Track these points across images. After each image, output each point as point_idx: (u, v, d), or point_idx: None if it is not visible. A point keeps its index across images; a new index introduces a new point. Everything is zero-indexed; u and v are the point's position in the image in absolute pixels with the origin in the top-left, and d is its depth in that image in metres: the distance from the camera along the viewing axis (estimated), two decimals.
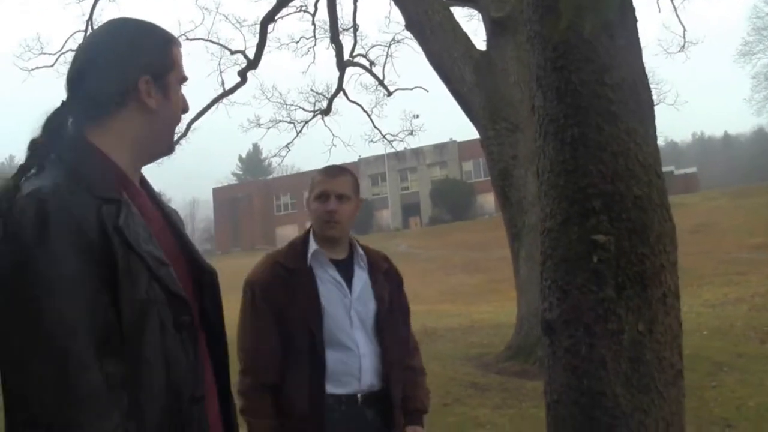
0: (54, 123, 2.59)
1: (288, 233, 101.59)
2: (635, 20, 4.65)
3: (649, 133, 4.50)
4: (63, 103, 2.63)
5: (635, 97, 4.47)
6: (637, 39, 4.63)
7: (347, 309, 4.61)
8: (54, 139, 2.55)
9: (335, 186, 4.71)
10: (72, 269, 2.21)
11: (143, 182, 2.77)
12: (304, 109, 31.70)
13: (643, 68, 4.61)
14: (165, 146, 2.74)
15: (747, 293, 26.42)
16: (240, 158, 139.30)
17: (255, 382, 4.51)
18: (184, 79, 2.73)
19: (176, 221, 2.82)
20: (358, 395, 4.53)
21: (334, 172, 4.83)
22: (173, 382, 2.38)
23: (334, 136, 32.06)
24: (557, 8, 4.18)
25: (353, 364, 4.53)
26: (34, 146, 2.54)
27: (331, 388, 4.49)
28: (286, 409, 4.48)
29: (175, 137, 2.82)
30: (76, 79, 2.63)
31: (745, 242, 42.18)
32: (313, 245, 4.71)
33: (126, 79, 2.59)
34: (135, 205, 2.52)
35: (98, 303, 2.24)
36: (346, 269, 4.73)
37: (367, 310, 4.68)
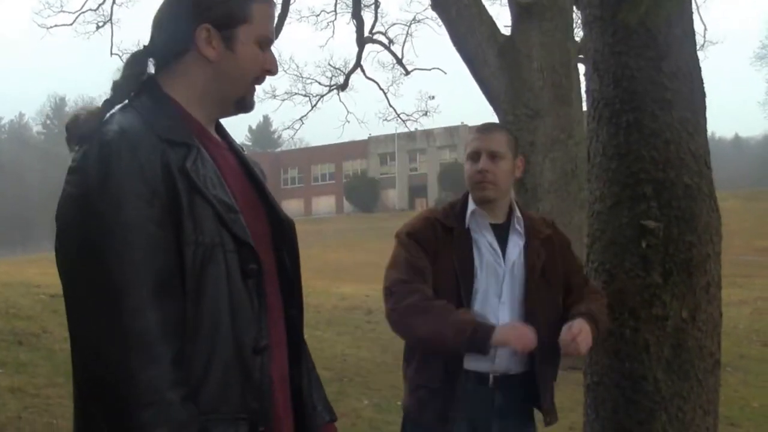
0: (133, 65, 2.63)
1: (294, 207, 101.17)
2: (691, 11, 4.66)
3: (700, 124, 4.53)
4: (144, 47, 2.67)
5: (689, 86, 4.49)
6: (692, 29, 4.64)
7: (499, 280, 4.24)
8: (131, 81, 2.60)
9: (488, 143, 4.27)
10: (131, 212, 2.23)
11: (222, 132, 2.79)
12: (320, 83, 31.59)
13: (697, 59, 4.63)
14: (232, 101, 2.68)
15: (751, 296, 26.35)
16: (249, 129, 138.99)
17: (410, 287, 4.09)
18: (265, 37, 2.65)
19: (256, 172, 2.80)
20: (491, 375, 4.16)
21: (487, 128, 4.44)
22: (237, 331, 2.38)
23: (348, 112, 31.95)
24: None
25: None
26: (115, 86, 2.58)
27: (465, 362, 4.15)
28: (416, 377, 4.23)
29: (251, 96, 2.71)
30: (154, 24, 2.66)
31: (753, 245, 42.10)
32: (471, 205, 4.30)
33: (186, 27, 2.56)
34: (213, 153, 2.55)
35: (157, 246, 2.26)
36: (502, 235, 4.31)
37: (519, 282, 4.27)
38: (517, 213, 4.34)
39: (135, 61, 2.63)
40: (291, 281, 2.75)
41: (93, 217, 2.23)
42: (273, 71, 2.70)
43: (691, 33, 4.61)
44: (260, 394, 2.42)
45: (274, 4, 2.73)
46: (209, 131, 2.66)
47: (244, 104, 2.70)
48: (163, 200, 2.29)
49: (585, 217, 4.95)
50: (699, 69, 4.60)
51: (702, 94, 4.59)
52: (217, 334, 2.34)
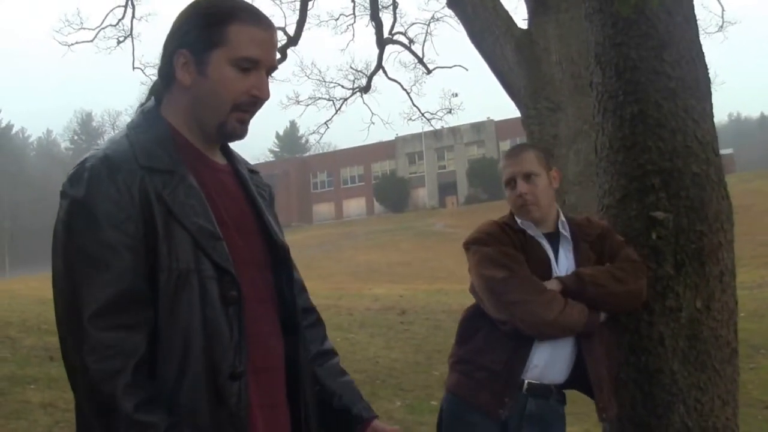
0: (152, 92, 2.74)
1: (324, 210, 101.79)
2: None
3: (706, 111, 4.50)
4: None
5: (693, 73, 4.47)
6: (694, 16, 4.63)
7: None
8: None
9: (519, 166, 4.38)
10: (104, 235, 2.33)
11: (230, 156, 2.83)
12: (343, 87, 31.58)
13: (700, 45, 4.61)
14: (212, 127, 2.64)
15: None
16: (277, 135, 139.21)
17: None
18: (245, 59, 2.58)
19: (257, 197, 2.80)
20: (525, 381, 4.23)
21: (514, 152, 4.54)
22: (212, 356, 2.41)
23: (372, 113, 31.92)
24: None
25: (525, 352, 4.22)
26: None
27: None
28: (476, 358, 4.31)
29: (236, 122, 2.64)
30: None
31: None
32: (517, 219, 4.42)
33: (170, 53, 2.61)
34: (206, 179, 2.58)
35: (127, 268, 2.34)
36: (553, 243, 4.40)
37: None
38: (562, 218, 4.43)
39: (154, 88, 2.75)
40: (287, 303, 2.78)
41: (72, 237, 2.38)
42: (260, 96, 2.64)
43: (693, 19, 4.59)
44: (237, 419, 2.44)
45: (263, 26, 2.65)
46: (208, 155, 2.69)
47: (225, 131, 2.65)
48: (138, 225, 2.37)
49: None
50: (702, 55, 4.58)
51: (707, 81, 4.57)
52: (188, 358, 2.38)
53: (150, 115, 2.63)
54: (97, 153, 2.46)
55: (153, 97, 2.71)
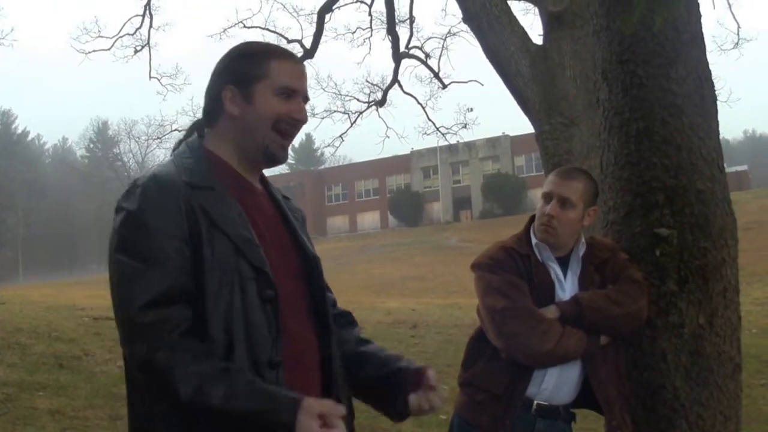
0: (194, 126, 3.17)
1: (339, 223, 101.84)
2: (699, 15, 4.65)
3: (711, 128, 4.53)
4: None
5: (699, 91, 4.49)
6: (701, 33, 4.65)
7: None
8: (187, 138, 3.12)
9: (561, 189, 4.37)
10: (157, 240, 2.70)
11: (265, 183, 3.21)
12: (358, 100, 31.49)
13: (707, 63, 4.63)
14: (258, 149, 3.02)
15: None
16: (293, 147, 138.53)
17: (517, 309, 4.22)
18: (285, 88, 2.99)
19: (292, 218, 3.18)
20: (534, 402, 4.28)
21: (565, 174, 4.50)
22: (253, 347, 2.73)
23: (388, 127, 31.87)
24: (627, 1, 4.19)
25: (538, 372, 4.26)
26: (175, 147, 3.13)
27: None
28: (478, 382, 4.38)
29: (278, 147, 3.05)
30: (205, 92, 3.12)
31: None
32: (534, 238, 4.44)
33: (217, 90, 3.02)
34: (247, 200, 2.98)
35: (175, 267, 2.69)
36: (563, 265, 4.41)
37: None
38: (582, 241, 4.43)
39: (194, 127, 3.19)
40: (320, 307, 3.08)
41: (126, 242, 2.75)
42: (300, 119, 3.04)
43: (700, 36, 4.61)
44: None
45: (296, 61, 3.10)
46: (250, 181, 3.09)
47: (270, 154, 3.04)
48: (185, 233, 2.75)
49: None
50: (709, 72, 4.60)
51: (713, 98, 4.59)
52: (233, 353, 2.70)
53: (194, 146, 3.03)
54: (147, 173, 2.85)
55: (196, 132, 3.11)
